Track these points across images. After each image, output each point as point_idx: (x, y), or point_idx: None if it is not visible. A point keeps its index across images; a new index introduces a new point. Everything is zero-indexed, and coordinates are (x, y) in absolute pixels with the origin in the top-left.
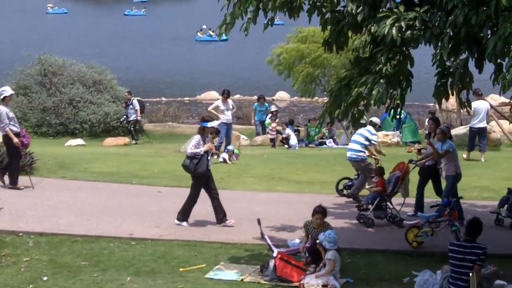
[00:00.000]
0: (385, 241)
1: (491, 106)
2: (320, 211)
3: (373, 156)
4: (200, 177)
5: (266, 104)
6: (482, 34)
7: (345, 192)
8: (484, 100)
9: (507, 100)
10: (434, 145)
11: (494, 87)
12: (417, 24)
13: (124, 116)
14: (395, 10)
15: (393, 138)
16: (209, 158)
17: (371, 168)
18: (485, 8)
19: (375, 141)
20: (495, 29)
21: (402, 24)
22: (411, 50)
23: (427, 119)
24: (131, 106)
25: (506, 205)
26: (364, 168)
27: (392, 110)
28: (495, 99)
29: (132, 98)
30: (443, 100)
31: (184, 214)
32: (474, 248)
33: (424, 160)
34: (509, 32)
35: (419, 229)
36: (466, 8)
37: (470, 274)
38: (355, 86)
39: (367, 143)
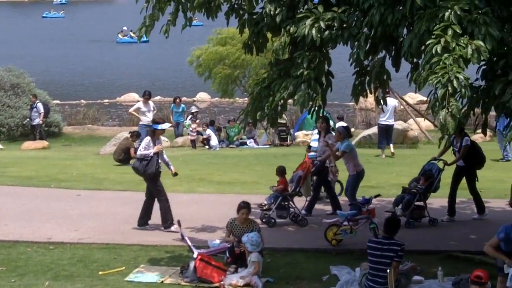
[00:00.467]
0: (305, 239)
1: (409, 104)
2: (246, 206)
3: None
4: (152, 178)
5: (183, 105)
6: (398, 33)
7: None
8: (398, 96)
9: (425, 98)
10: (330, 145)
11: (410, 85)
12: (336, 24)
13: (28, 119)
14: (314, 10)
15: (313, 137)
16: (159, 160)
17: (334, 170)
18: (400, 8)
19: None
20: (411, 28)
21: (322, 24)
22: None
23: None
24: (35, 109)
25: (400, 204)
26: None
27: (315, 112)
28: (413, 97)
29: (37, 101)
30: (363, 99)
31: (167, 219)
32: (392, 244)
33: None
34: (424, 31)
35: (338, 227)
36: (382, 7)
37: (388, 270)
38: (277, 89)
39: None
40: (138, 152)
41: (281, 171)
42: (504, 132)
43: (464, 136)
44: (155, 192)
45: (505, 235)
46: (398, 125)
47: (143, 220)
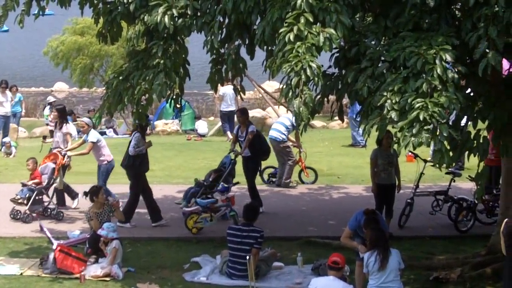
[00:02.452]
0: (165, 228)
1: (267, 93)
2: (99, 187)
3: (294, 145)
4: (140, 176)
5: (19, 94)
6: (251, 21)
7: (270, 179)
8: (256, 85)
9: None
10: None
11: (264, 72)
12: (189, 12)
13: None
14: None
15: (172, 126)
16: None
17: (289, 151)
18: None
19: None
20: (263, 15)
21: (174, 12)
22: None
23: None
24: None
25: (194, 199)
26: (283, 150)
27: (173, 100)
28: (271, 85)
29: None
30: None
31: (129, 216)
32: (252, 231)
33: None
34: (276, 18)
35: (198, 215)
36: None
37: (248, 257)
38: (136, 81)
39: (291, 127)
40: (131, 150)
41: (33, 162)
42: (357, 119)
43: (249, 124)
44: (135, 188)
45: (356, 222)
46: (257, 113)
47: (157, 216)
